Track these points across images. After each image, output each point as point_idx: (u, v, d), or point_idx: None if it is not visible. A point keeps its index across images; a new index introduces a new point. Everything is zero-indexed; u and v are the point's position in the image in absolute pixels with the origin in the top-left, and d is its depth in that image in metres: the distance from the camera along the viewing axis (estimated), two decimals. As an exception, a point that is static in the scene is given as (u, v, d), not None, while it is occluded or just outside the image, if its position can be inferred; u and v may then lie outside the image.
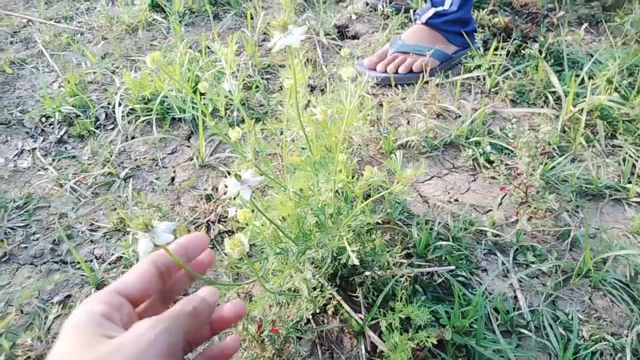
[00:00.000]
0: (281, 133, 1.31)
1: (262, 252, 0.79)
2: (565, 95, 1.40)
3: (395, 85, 1.58)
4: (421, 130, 1.37)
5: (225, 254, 1.10)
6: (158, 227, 0.50)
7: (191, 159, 1.36)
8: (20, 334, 0.97)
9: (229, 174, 1.28)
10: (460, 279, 1.03)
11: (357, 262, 0.72)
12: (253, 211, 0.87)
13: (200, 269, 0.53)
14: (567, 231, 1.12)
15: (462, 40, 1.62)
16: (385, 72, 1.57)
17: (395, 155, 0.85)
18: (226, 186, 0.55)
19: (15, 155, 1.39)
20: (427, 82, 1.52)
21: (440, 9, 1.58)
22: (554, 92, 1.48)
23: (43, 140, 1.43)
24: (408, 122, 1.44)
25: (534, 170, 1.05)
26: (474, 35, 1.68)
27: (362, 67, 1.61)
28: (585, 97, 1.38)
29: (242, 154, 0.75)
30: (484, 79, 1.58)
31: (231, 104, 1.49)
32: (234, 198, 0.67)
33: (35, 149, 1.40)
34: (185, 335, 0.44)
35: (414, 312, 0.86)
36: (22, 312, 1.01)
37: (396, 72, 1.56)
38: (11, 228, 1.18)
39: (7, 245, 1.13)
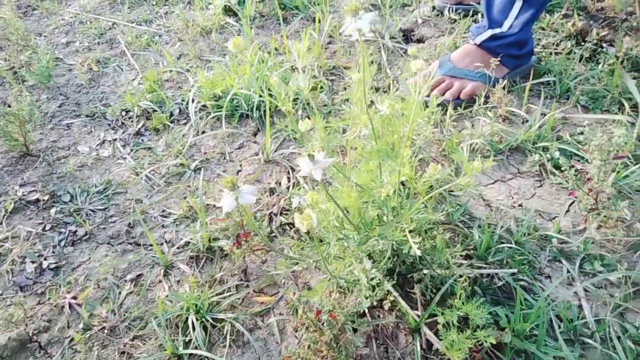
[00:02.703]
0: (344, 131, 1.34)
1: (324, 239, 0.82)
2: (644, 102, 1.34)
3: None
4: (486, 134, 1.35)
5: (295, 233, 1.14)
6: (242, 188, 0.54)
7: (257, 154, 1.41)
8: (97, 306, 1.05)
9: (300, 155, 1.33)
10: (521, 283, 1.01)
11: (418, 253, 0.73)
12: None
13: None
14: (639, 242, 1.07)
15: (515, 63, 1.53)
16: (428, 96, 1.47)
17: (462, 149, 0.85)
18: (299, 165, 0.58)
19: (98, 144, 1.50)
20: (493, 85, 1.49)
21: (497, 31, 1.47)
22: (631, 99, 1.41)
23: (123, 132, 1.54)
24: (472, 125, 1.43)
25: (605, 175, 1.01)
26: (530, 57, 1.57)
27: (405, 89, 1.55)
28: (665, 104, 1.30)
29: (311, 142, 0.78)
30: (554, 83, 1.53)
31: (296, 103, 1.54)
32: (305, 178, 0.69)
33: (115, 139, 1.51)
34: None
35: (473, 311, 0.86)
36: (99, 286, 1.09)
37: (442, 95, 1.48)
38: (92, 210, 1.28)
39: (88, 226, 1.23)
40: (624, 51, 1.57)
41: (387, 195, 0.85)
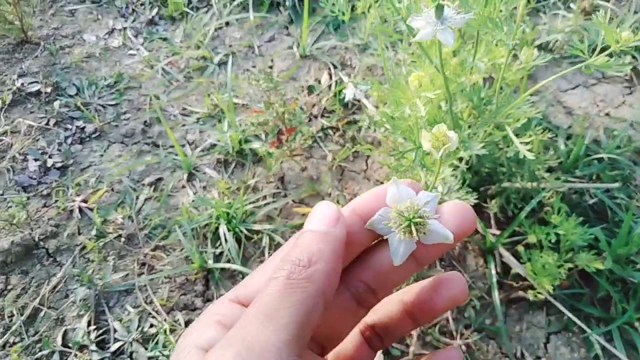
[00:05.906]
0: None
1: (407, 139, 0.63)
2: None
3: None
4: (566, 30, 1.13)
5: (339, 138, 0.97)
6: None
7: (290, 48, 1.21)
8: (111, 212, 0.90)
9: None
10: (617, 201, 0.84)
11: (530, 155, 0.56)
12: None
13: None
14: None
15: None
16: None
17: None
18: (412, 23, 0.36)
19: (106, 33, 1.30)
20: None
21: None
22: None
23: (134, 20, 1.33)
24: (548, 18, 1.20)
25: None
26: None
27: None
28: None
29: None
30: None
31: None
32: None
33: (125, 28, 1.30)
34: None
35: (570, 229, 0.70)
36: (112, 189, 0.94)
37: None
38: (102, 105, 1.10)
39: (98, 122, 1.06)
40: None
41: (476, 83, 0.66)
